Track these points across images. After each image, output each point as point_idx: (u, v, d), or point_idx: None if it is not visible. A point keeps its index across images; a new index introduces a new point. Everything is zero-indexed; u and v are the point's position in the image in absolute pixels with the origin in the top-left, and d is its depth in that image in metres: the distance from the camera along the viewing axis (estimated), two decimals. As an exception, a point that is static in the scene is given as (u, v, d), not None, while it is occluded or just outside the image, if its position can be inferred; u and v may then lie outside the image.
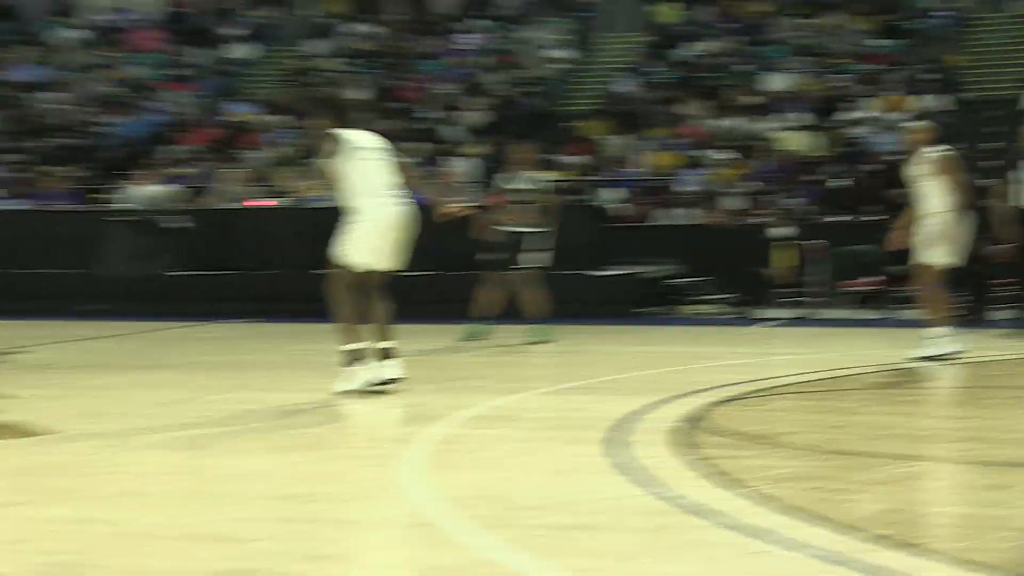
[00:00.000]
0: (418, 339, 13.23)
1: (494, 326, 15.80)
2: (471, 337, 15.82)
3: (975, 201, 13.87)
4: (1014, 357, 13.64)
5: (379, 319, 11.36)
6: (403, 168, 11.71)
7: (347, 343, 10.92)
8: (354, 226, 11.11)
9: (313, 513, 7.32)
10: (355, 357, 10.89)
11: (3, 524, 3.85)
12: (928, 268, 12.98)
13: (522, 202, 16.10)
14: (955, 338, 12.89)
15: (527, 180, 16.25)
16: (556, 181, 17.12)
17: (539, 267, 16.06)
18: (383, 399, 11.20)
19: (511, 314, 15.92)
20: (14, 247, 22.29)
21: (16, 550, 4.34)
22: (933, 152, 12.94)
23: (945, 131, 13.72)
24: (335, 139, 11.11)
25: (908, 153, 13.99)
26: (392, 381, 11.19)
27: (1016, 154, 15.59)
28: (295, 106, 22.71)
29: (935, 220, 12.86)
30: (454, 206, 12.03)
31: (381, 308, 11.38)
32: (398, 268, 11.37)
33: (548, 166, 18.80)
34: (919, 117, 14.13)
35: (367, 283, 11.26)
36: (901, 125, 23.50)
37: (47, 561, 5.09)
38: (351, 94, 28.06)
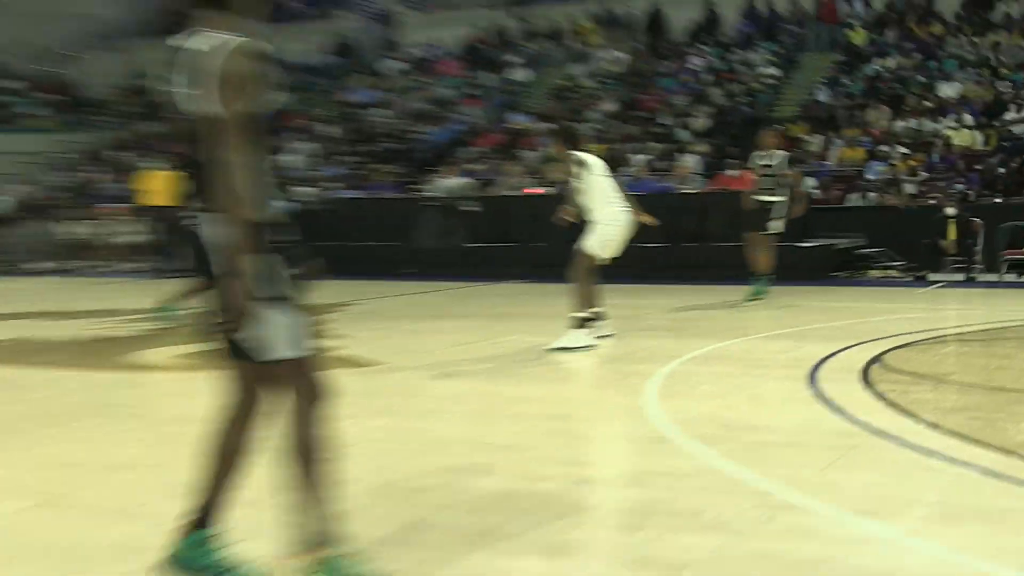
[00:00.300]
0: (657, 297, 13.08)
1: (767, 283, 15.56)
2: (756, 295, 15.50)
3: None
4: None
5: (595, 291, 11.35)
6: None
7: (578, 311, 10.89)
8: (598, 227, 11.13)
9: (572, 430, 7.39)
10: (583, 323, 10.85)
11: (343, 432, 3.83)
12: None
13: (769, 176, 15.92)
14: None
15: (773, 158, 16.04)
16: (793, 159, 16.78)
17: (777, 232, 15.85)
18: (627, 343, 11.17)
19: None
20: (352, 226, 22.93)
21: (351, 452, 4.36)
22: None
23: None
24: (576, 160, 11.13)
25: None
26: (606, 336, 11.19)
27: None
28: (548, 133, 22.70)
29: None
30: (646, 216, 11.84)
31: (596, 284, 11.35)
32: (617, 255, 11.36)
33: (789, 147, 18.35)
34: None
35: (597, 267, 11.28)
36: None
37: (375, 462, 5.14)
38: (604, 107, 28.06)
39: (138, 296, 20.05)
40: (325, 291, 6.63)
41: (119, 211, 27.61)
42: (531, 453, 6.43)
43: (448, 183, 24.83)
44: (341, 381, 7.48)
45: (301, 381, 3.95)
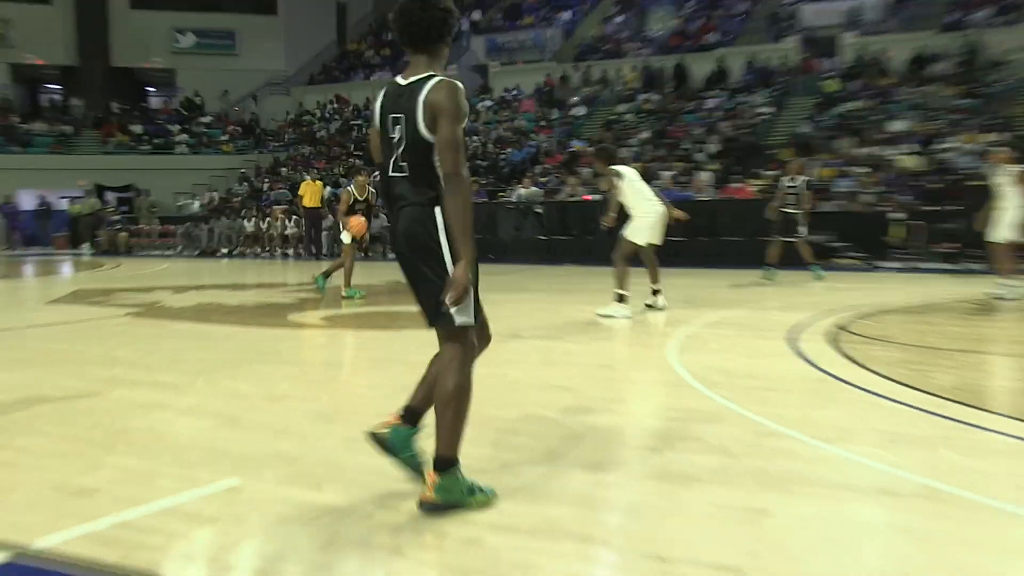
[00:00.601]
0: (678, 278, 13.03)
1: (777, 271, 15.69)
2: (768, 278, 15.63)
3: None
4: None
5: (654, 272, 11.32)
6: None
7: (618, 288, 10.85)
8: (635, 221, 11.11)
9: (613, 376, 7.35)
10: (621, 298, 10.81)
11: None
12: (1001, 243, 12.36)
13: (793, 194, 15.96)
14: (1018, 285, 12.17)
15: (796, 181, 16.06)
16: (809, 183, 16.78)
17: (799, 238, 15.97)
18: (655, 312, 11.15)
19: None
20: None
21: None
22: (1012, 168, 12.30)
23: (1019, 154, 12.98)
24: (615, 173, 11.11)
25: (993, 168, 13.35)
26: (663, 308, 11.18)
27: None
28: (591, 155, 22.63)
29: (1011, 212, 12.26)
30: (679, 212, 11.83)
31: (654, 265, 11.33)
32: (660, 243, 11.31)
33: (808, 172, 18.27)
34: (1009, 145, 13.42)
35: (643, 252, 11.25)
36: (986, 150, 22.64)
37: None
38: (641, 136, 27.94)
39: (291, 273, 20.33)
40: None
41: (278, 211, 28.07)
42: (581, 392, 6.45)
43: (524, 191, 24.92)
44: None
45: (470, 342, 4.03)
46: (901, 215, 20.51)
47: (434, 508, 3.87)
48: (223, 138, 37.08)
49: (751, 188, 23.51)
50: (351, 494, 4.21)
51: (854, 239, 20.77)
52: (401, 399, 4.28)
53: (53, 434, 5.41)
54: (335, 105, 37.85)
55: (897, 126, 26.08)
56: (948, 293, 13.39)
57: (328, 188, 27.68)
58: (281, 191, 30.97)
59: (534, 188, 25.23)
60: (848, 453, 4.82)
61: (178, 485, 4.34)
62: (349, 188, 13.81)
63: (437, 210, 3.90)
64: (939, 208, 20.67)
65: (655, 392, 6.84)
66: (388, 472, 4.45)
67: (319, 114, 37.78)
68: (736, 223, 16.24)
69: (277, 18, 40.20)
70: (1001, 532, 3.74)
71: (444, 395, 3.93)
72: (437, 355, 4.18)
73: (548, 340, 9.11)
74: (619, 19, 36.97)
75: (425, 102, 3.84)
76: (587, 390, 6.56)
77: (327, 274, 13.62)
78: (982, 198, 16.67)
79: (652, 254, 11.39)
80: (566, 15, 38.43)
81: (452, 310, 3.89)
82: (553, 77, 34.49)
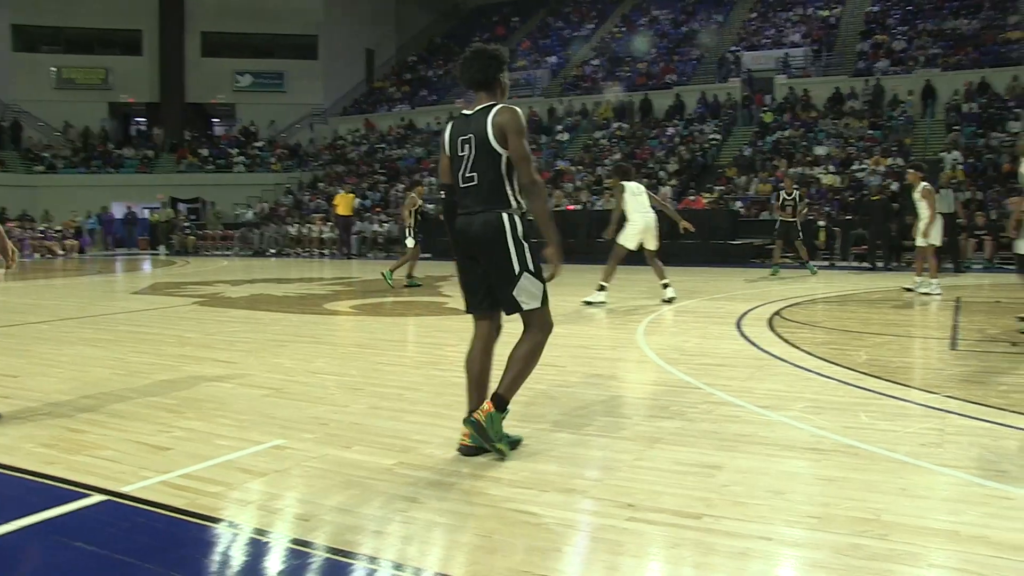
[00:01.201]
0: (645, 274, 12.94)
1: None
2: (774, 274, 15.56)
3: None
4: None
5: (658, 269, 11.06)
6: (655, 198, 11.38)
7: (602, 280, 10.77)
8: (627, 228, 10.89)
9: (592, 354, 7.31)
10: (602, 287, 10.74)
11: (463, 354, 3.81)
12: (930, 246, 12.21)
13: (791, 206, 15.88)
14: (935, 284, 12.05)
15: (792, 194, 16.04)
16: (802, 197, 16.74)
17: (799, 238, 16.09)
18: (627, 301, 11.09)
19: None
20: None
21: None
22: (921, 186, 12.18)
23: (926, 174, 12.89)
24: (620, 188, 10.89)
25: (908, 186, 13.25)
26: (671, 300, 10.90)
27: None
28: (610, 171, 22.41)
29: (926, 222, 12.12)
30: (685, 223, 11.78)
31: (657, 266, 11.06)
32: (653, 247, 11.03)
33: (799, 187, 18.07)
34: (916, 167, 13.42)
35: (646, 256, 11.06)
36: (887, 170, 22.68)
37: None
38: (614, 157, 27.85)
39: (326, 270, 20.25)
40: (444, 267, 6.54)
41: (317, 219, 28.04)
42: (565, 368, 6.40)
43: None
44: (453, 325, 7.36)
45: (545, 320, 4.22)
46: (824, 222, 20.55)
47: (476, 427, 3.94)
48: (272, 159, 37.13)
49: (703, 200, 23.49)
50: (375, 452, 4.17)
51: (785, 241, 20.77)
52: (416, 375, 4.22)
53: (137, 401, 5.37)
54: (363, 132, 37.89)
55: (820, 151, 26.15)
56: (861, 287, 13.36)
57: (358, 200, 27.66)
58: (319, 202, 30.92)
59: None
60: (783, 417, 4.78)
61: (234, 444, 4.33)
62: (412, 195, 14.55)
63: (505, 216, 3.99)
64: (854, 217, 20.71)
65: (626, 368, 6.78)
66: (406, 435, 4.45)
67: (350, 139, 37.80)
68: (697, 230, 16.18)
69: (317, 62, 40.50)
70: (900, 477, 3.74)
71: (522, 354, 4.09)
72: (469, 350, 4.26)
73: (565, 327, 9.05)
74: (595, 62, 36.92)
75: (494, 123, 3.95)
76: (570, 366, 6.51)
77: (392, 271, 13.98)
78: (885, 211, 16.71)
79: (652, 257, 11.07)
80: (553, 59, 38.44)
81: (522, 298, 4.03)
82: (541, 108, 34.38)
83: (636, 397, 5.55)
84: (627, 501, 3.44)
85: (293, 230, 28.38)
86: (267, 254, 27.90)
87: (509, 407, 4.09)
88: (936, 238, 12.14)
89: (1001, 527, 3.16)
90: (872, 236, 18.13)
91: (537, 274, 4.07)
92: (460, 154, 4.05)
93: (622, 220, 10.98)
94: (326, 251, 27.07)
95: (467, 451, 4.04)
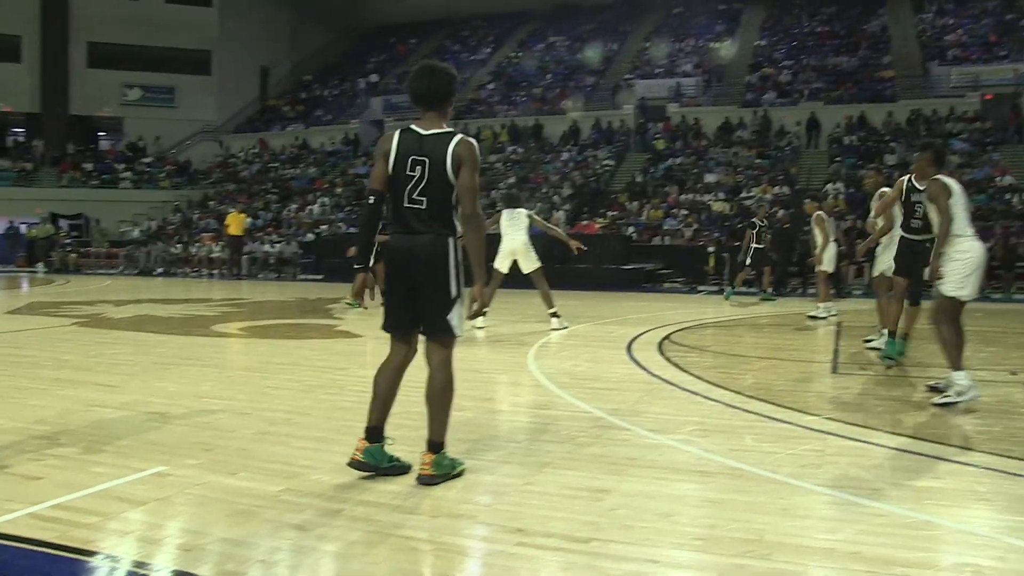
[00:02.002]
0: (535, 298, 13.03)
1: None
2: (768, 299, 15.83)
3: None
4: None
5: (544, 295, 10.87)
6: (540, 223, 11.37)
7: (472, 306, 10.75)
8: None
9: (483, 378, 7.30)
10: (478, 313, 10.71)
11: (362, 379, 3.74)
12: (824, 271, 12.65)
13: (767, 232, 15.99)
14: (822, 308, 12.52)
15: (763, 220, 16.08)
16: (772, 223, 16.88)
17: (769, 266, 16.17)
18: (517, 326, 11.13)
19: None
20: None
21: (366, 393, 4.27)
22: (816, 215, 12.64)
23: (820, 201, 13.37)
24: (499, 214, 10.97)
25: (807, 216, 13.64)
26: (557, 330, 10.59)
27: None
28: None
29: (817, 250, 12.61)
30: (575, 243, 11.25)
31: (544, 289, 10.86)
32: (503, 270, 10.91)
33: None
34: (812, 197, 13.92)
35: (533, 280, 10.89)
36: (788, 196, 23.49)
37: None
38: (509, 181, 27.99)
39: (215, 290, 19.77)
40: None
41: (206, 238, 27.43)
42: (455, 389, 6.38)
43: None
44: (345, 348, 7.27)
45: (453, 348, 4.22)
46: (713, 248, 21.09)
47: (431, 481, 3.97)
48: (161, 176, 36.10)
49: (596, 225, 23.82)
50: (262, 479, 4.08)
51: (678, 267, 21.22)
52: (306, 399, 4.15)
53: (6, 427, 5.10)
54: (256, 150, 37.24)
55: (710, 178, 26.84)
56: (748, 311, 13.74)
57: (249, 219, 27.16)
58: (209, 221, 30.21)
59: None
60: (671, 441, 4.86)
61: (112, 471, 4.15)
62: None
63: (450, 240, 4.01)
64: (741, 244, 21.36)
65: (516, 392, 6.80)
66: (295, 460, 4.37)
67: (243, 157, 37.10)
68: (584, 253, 16.33)
69: (211, 78, 39.67)
70: (782, 498, 3.86)
71: (437, 390, 4.10)
72: (382, 368, 4.24)
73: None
74: (491, 86, 37.19)
75: (454, 154, 3.96)
76: (460, 390, 6.44)
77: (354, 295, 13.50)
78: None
79: (538, 281, 10.90)
80: (449, 82, 38.55)
81: (454, 322, 4.06)
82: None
83: (526, 421, 5.57)
84: (516, 526, 3.45)
85: (180, 249, 27.62)
86: (154, 273, 27.05)
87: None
88: (828, 265, 12.61)
89: (874, 543, 3.29)
90: (782, 262, 18.51)
91: (463, 302, 4.12)
92: (409, 173, 3.98)
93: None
94: (215, 271, 26.42)
95: (428, 480, 4.01)
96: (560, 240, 11.49)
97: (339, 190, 30.88)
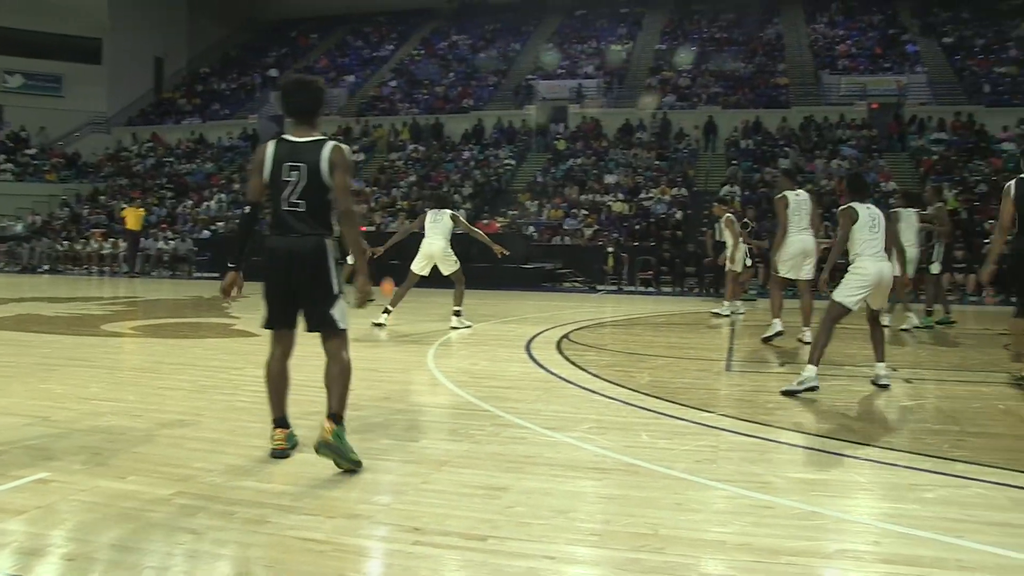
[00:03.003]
0: (437, 297, 13.00)
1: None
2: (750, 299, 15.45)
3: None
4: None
5: (457, 295, 10.94)
6: (465, 225, 11.30)
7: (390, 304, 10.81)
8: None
9: (382, 377, 7.25)
10: (388, 311, 10.75)
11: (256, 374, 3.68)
12: (733, 270, 13.02)
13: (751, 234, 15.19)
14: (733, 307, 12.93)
15: (723, 223, 14.53)
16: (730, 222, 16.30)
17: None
18: (419, 325, 11.10)
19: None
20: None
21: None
22: (725, 216, 13.04)
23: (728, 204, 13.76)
24: (424, 214, 11.01)
25: (713, 218, 13.95)
26: (456, 329, 10.67)
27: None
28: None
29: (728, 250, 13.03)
30: (498, 247, 11.35)
31: (459, 290, 10.94)
32: (423, 273, 10.95)
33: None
34: (720, 201, 14.22)
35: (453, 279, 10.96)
36: (686, 198, 23.97)
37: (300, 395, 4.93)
38: (409, 180, 27.82)
39: (106, 288, 19.16)
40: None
41: (97, 233, 26.53)
42: (352, 391, 6.29)
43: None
44: (240, 348, 7.12)
45: (346, 340, 4.51)
46: (613, 248, 21.41)
47: (330, 448, 4.15)
48: (46, 168, 34.66)
49: (497, 224, 23.90)
50: (153, 482, 3.97)
51: (578, 267, 21.45)
52: (200, 399, 4.07)
53: None
54: (150, 144, 36.15)
55: (610, 179, 27.22)
56: (646, 310, 14.01)
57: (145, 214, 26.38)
58: (99, 216, 29.18)
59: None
60: (568, 438, 4.93)
61: (-10, 479, 3.98)
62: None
63: (327, 241, 4.34)
64: (641, 244, 21.74)
65: (415, 391, 6.79)
66: (187, 463, 4.27)
67: (136, 151, 35.95)
68: (483, 253, 16.36)
69: (101, 67, 38.22)
70: (676, 493, 3.96)
71: (335, 375, 4.38)
72: (269, 363, 4.58)
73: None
74: (393, 83, 36.98)
75: (329, 159, 4.29)
76: (359, 389, 6.42)
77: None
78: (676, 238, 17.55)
79: (456, 279, 10.95)
80: (350, 78, 38.13)
81: (337, 316, 4.39)
82: (339, 128, 34.01)
83: (425, 420, 5.57)
84: (414, 525, 3.45)
85: (67, 246, 26.62)
86: (38, 270, 26.02)
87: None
88: (739, 264, 13.06)
89: (763, 534, 3.42)
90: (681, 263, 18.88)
91: (344, 297, 4.44)
92: (285, 179, 4.28)
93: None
94: (106, 268, 25.58)
95: (328, 445, 4.17)
96: (483, 242, 11.43)
97: (236, 186, 30.20)
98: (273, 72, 39.26)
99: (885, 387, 6.79)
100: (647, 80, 33.76)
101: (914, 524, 3.55)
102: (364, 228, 23.36)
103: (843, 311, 6.64)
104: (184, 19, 42.76)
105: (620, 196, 25.82)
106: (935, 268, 11.78)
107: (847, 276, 6.71)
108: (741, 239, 13.17)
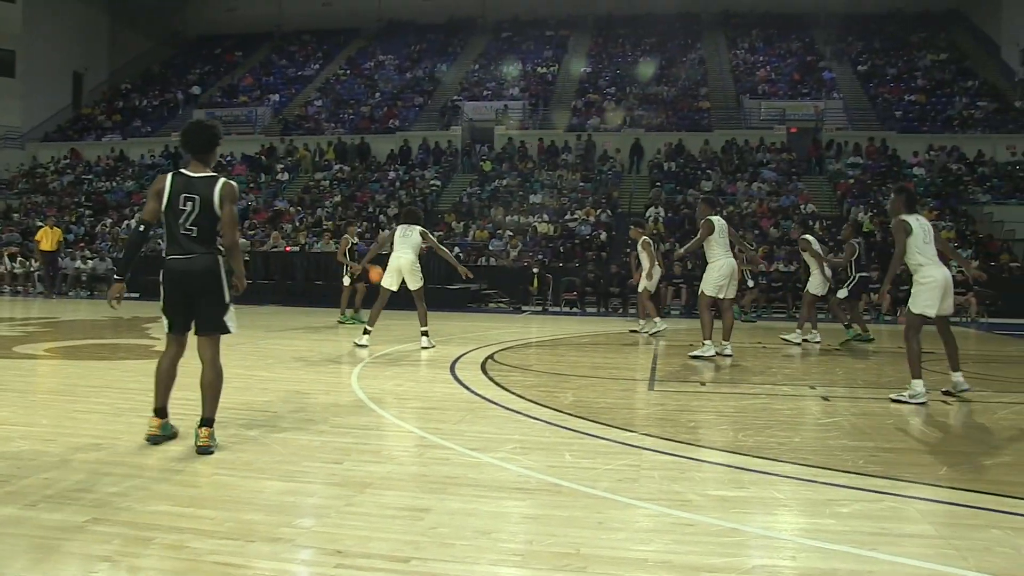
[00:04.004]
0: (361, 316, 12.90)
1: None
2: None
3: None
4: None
5: (421, 313, 10.92)
6: (434, 244, 11.25)
7: (368, 324, 10.89)
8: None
9: (305, 399, 7.16)
10: (367, 331, 10.83)
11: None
12: (647, 290, 13.31)
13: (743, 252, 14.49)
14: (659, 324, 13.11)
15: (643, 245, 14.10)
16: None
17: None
18: (344, 346, 10.98)
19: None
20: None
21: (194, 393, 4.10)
22: (643, 239, 13.29)
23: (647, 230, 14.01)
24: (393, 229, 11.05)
25: (633, 240, 14.12)
26: (426, 348, 10.71)
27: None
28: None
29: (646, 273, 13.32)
30: (463, 269, 11.52)
31: (422, 307, 10.93)
32: (391, 287, 10.90)
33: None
34: (636, 224, 14.42)
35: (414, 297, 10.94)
36: (610, 220, 24.20)
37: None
38: (335, 200, 27.54)
39: (20, 309, 18.56)
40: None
41: (7, 252, 25.69)
42: (274, 413, 6.25)
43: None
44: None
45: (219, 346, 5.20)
46: (538, 269, 21.52)
47: (209, 450, 4.85)
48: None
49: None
50: (67, 509, 3.85)
51: (503, 287, 21.49)
52: (117, 423, 3.98)
53: None
54: (68, 160, 35.21)
55: (535, 200, 27.41)
56: (570, 331, 14.10)
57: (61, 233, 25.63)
58: (12, 235, 28.24)
59: (243, 240, 24.30)
60: (492, 459, 4.94)
61: None
62: (347, 236, 15.13)
63: (219, 258, 5.09)
64: (566, 265, 21.90)
65: (338, 412, 6.70)
66: (102, 488, 4.16)
67: (52, 167, 34.96)
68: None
69: (14, 80, 37.05)
70: (598, 512, 4.00)
71: (210, 381, 5.05)
72: (161, 360, 5.21)
73: (247, 369, 8.73)
74: (318, 102, 36.73)
75: (220, 193, 5.01)
76: (283, 411, 6.37)
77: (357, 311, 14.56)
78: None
79: (418, 299, 10.95)
80: (275, 96, 37.78)
81: (230, 322, 5.15)
82: (263, 147, 33.64)
83: (347, 442, 5.50)
84: (335, 548, 3.42)
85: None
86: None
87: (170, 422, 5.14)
88: (653, 285, 13.34)
89: (683, 551, 3.48)
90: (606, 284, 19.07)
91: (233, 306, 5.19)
92: (181, 208, 4.99)
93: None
94: (20, 288, 24.78)
95: (206, 450, 4.86)
96: (449, 263, 11.40)
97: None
98: (196, 89, 38.71)
99: (965, 391, 7.32)
100: (572, 102, 34.18)
101: (830, 538, 3.64)
102: (288, 248, 23.19)
103: (923, 320, 7.17)
104: (105, 33, 41.84)
105: (545, 217, 26.04)
106: (842, 293, 12.22)
107: (916, 287, 7.21)
108: (657, 262, 13.43)
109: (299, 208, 28.29)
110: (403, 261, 10.81)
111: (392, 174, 30.65)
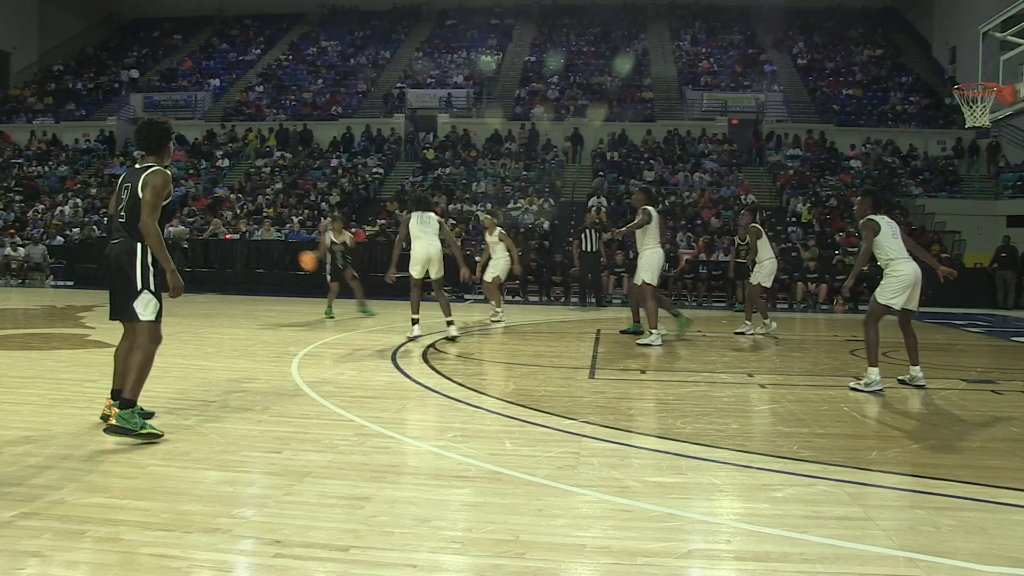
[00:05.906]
0: (304, 306, 12.78)
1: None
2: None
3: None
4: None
5: (443, 304, 10.98)
6: (449, 237, 11.21)
7: (413, 314, 10.91)
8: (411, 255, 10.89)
9: (244, 387, 7.09)
10: (416, 321, 10.89)
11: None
12: (497, 278, 13.59)
13: (744, 248, 14.44)
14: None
15: (745, 239, 13.82)
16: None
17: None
18: (284, 334, 10.88)
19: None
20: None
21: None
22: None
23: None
24: (407, 217, 10.98)
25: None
26: (455, 338, 10.66)
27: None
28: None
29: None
30: (465, 272, 11.68)
31: (444, 298, 11.04)
32: (417, 275, 10.91)
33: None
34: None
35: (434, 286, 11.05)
36: (552, 208, 24.23)
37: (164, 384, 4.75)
38: (276, 187, 27.21)
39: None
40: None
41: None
42: (212, 402, 6.18)
43: (172, 229, 23.37)
44: (95, 360, 6.82)
45: (154, 331, 5.16)
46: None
47: (115, 431, 4.84)
48: None
49: (364, 233, 23.68)
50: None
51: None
52: (50, 414, 3.91)
53: None
54: (-4, 144, 34.23)
55: (479, 188, 27.39)
56: (512, 319, 14.10)
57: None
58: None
59: (181, 227, 23.87)
60: (432, 447, 4.95)
61: None
62: (328, 233, 14.60)
63: (138, 245, 5.10)
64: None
65: (278, 402, 6.65)
66: (32, 482, 4.09)
67: (-21, 151, 33.95)
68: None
69: (-62, 59, 35.85)
70: (538, 499, 4.03)
71: (136, 362, 5.05)
72: (119, 346, 5.33)
73: (185, 359, 8.62)
74: (260, 88, 36.21)
75: (144, 180, 5.10)
76: (220, 400, 6.30)
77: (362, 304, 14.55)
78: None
79: (437, 287, 11.01)
80: (215, 82, 37.16)
81: (139, 309, 5.08)
82: (203, 132, 33.09)
83: (287, 431, 5.46)
84: (274, 537, 3.40)
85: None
86: None
87: (138, 404, 5.04)
88: (504, 273, 13.84)
89: (621, 537, 3.53)
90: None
91: (156, 294, 5.13)
92: (121, 196, 5.22)
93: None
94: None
95: (113, 430, 4.86)
96: (455, 258, 11.31)
97: (93, 191, 28.95)
98: (134, 73, 37.85)
99: (921, 387, 7.51)
100: (516, 91, 34.18)
101: (764, 522, 3.74)
102: (228, 236, 22.84)
103: (885, 311, 7.42)
104: (35, 10, 40.52)
105: (488, 205, 26.03)
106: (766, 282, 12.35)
107: (886, 280, 7.45)
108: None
109: (240, 195, 27.92)
110: (432, 249, 10.67)
111: (334, 161, 30.38)
